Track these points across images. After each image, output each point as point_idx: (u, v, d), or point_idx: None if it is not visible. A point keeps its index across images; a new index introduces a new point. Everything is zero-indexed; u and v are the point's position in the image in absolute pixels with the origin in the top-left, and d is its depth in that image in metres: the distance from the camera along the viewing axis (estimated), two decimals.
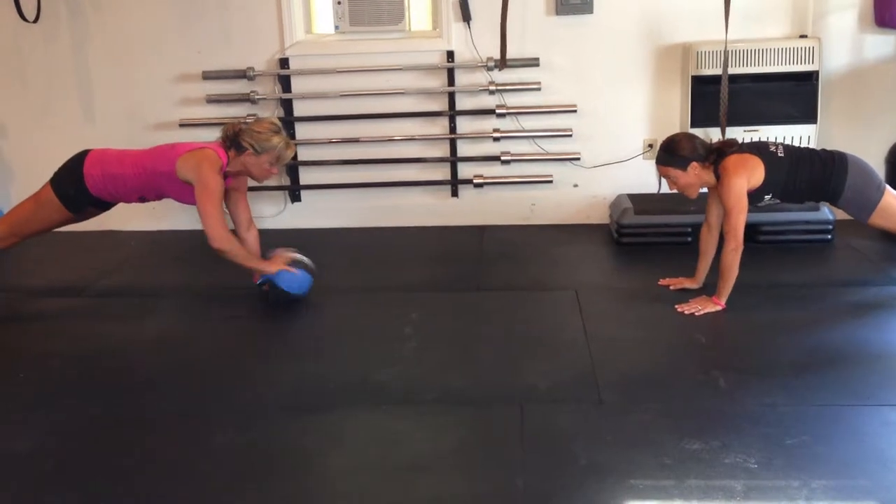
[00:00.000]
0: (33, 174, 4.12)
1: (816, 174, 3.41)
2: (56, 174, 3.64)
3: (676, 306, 3.44)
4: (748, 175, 3.34)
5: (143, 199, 3.65)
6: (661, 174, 3.49)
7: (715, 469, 2.30)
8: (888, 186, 3.48)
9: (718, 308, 3.40)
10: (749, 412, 2.60)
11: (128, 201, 3.67)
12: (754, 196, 3.40)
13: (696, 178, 3.41)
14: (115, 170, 3.54)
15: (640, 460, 2.36)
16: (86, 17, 4.69)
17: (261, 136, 3.44)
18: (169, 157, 3.47)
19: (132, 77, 4.76)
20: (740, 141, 4.35)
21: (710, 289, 3.48)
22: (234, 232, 3.70)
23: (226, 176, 3.51)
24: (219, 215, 3.42)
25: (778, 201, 3.54)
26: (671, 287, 3.63)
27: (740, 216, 3.34)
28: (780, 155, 3.41)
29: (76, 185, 3.57)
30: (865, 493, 2.18)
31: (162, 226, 4.80)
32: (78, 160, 3.60)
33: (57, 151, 4.58)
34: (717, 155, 3.41)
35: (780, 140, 4.36)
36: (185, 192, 3.48)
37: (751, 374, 2.85)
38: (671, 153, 3.41)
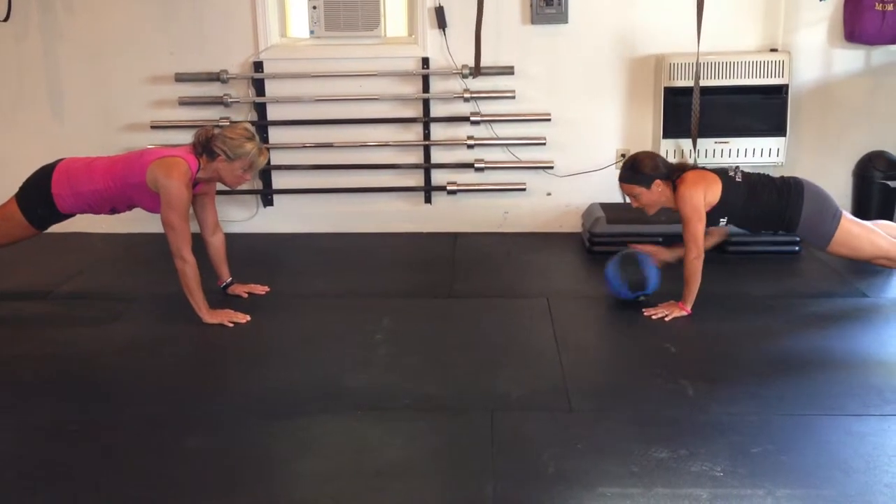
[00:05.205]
0: (2, 173, 4.08)
1: (771, 204, 3.49)
2: (22, 193, 3.56)
3: (644, 311, 3.47)
4: (705, 188, 3.42)
5: (114, 211, 3.60)
6: (626, 192, 3.56)
7: (682, 477, 2.33)
8: (845, 214, 3.55)
9: (685, 314, 3.44)
10: (716, 421, 2.63)
11: (99, 213, 3.62)
12: (710, 216, 3.47)
13: (659, 195, 3.48)
14: (85, 187, 3.47)
15: (609, 468, 2.38)
16: (57, 16, 4.65)
17: (234, 143, 3.39)
18: (139, 167, 3.40)
19: (103, 77, 4.72)
20: (710, 152, 4.44)
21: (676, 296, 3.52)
22: (200, 235, 3.67)
23: (196, 182, 3.48)
24: (184, 229, 3.36)
25: (733, 226, 3.61)
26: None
27: (699, 225, 3.41)
28: (737, 180, 3.49)
29: (45, 206, 3.51)
30: (829, 501, 2.21)
31: (131, 228, 4.75)
32: (44, 177, 3.51)
33: (27, 151, 4.53)
34: (679, 172, 3.48)
35: (749, 153, 4.45)
36: (156, 202, 3.42)
37: (718, 383, 2.88)
38: (636, 171, 3.48)
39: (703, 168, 3.58)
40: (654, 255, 3.65)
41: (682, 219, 3.43)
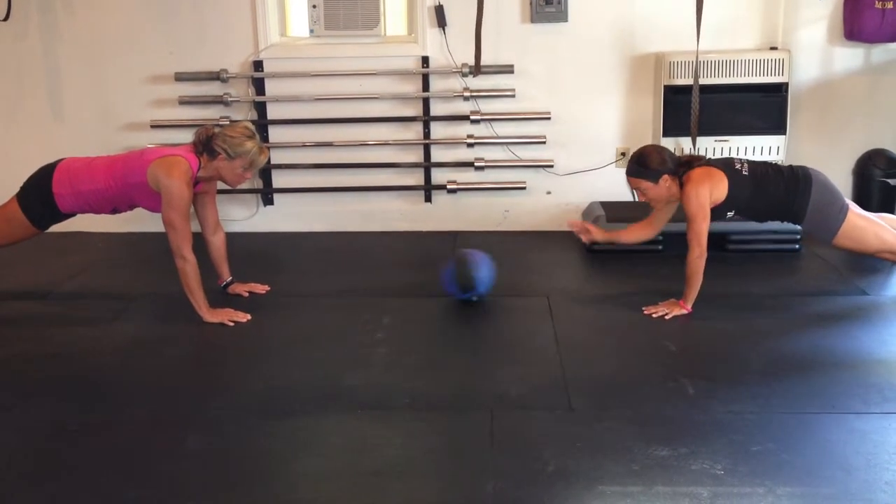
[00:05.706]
0: (2, 173, 4.08)
1: (779, 196, 3.47)
2: (24, 192, 3.56)
3: (645, 309, 3.47)
4: (711, 186, 3.40)
5: (115, 211, 3.61)
6: (633, 186, 3.54)
7: (682, 475, 2.32)
8: (852, 206, 3.53)
9: (685, 312, 3.44)
10: (716, 419, 2.63)
11: (100, 213, 3.62)
12: (717, 211, 3.46)
13: (666, 190, 3.47)
14: (86, 186, 3.47)
15: (609, 467, 2.37)
16: (57, 16, 4.64)
17: (234, 141, 3.40)
18: (140, 166, 3.41)
19: (103, 77, 4.72)
20: (710, 151, 4.43)
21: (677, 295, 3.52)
22: (201, 234, 3.66)
23: (197, 181, 3.48)
24: (184, 228, 3.36)
25: (741, 218, 3.59)
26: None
27: (703, 223, 3.39)
28: (744, 173, 3.46)
29: (46, 206, 3.52)
30: (829, 500, 2.21)
31: (131, 228, 4.75)
32: (45, 177, 3.51)
33: (26, 151, 4.53)
34: (686, 168, 3.47)
35: (749, 152, 4.44)
36: (156, 201, 3.42)
37: (718, 382, 2.88)
38: (643, 166, 3.46)
39: (710, 162, 3.55)
40: (587, 233, 3.73)
41: (687, 217, 3.42)
